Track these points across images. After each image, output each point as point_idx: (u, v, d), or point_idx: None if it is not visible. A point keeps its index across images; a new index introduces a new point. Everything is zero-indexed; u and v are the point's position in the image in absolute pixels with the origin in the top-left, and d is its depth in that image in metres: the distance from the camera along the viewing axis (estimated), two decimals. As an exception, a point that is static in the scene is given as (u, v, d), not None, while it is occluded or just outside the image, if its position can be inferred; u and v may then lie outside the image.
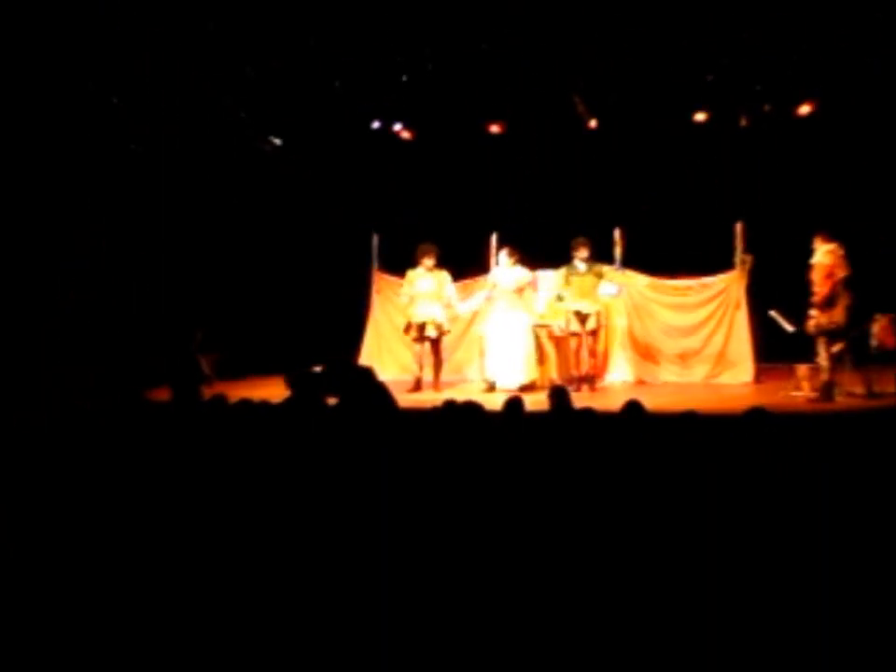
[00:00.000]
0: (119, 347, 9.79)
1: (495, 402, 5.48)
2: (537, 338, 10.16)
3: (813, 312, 8.51)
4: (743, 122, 10.90)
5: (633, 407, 4.71)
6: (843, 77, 9.99)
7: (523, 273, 10.04)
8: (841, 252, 8.51)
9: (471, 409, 4.74)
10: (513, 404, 5.22)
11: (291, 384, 5.18)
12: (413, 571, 3.45)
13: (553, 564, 3.45)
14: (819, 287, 8.47)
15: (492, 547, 3.53)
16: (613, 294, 10.04)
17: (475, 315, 10.51)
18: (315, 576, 3.53)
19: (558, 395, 5.69)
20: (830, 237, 8.60)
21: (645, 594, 3.32)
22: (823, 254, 8.54)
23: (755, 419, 4.25)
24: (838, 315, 8.41)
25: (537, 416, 5.67)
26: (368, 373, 5.02)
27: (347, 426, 4.52)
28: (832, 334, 8.46)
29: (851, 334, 8.53)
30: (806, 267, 8.59)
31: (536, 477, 4.03)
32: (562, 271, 9.97)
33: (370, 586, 3.41)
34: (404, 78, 10.93)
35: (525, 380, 9.69)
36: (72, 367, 8.73)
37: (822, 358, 8.52)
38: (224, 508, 3.89)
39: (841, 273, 8.44)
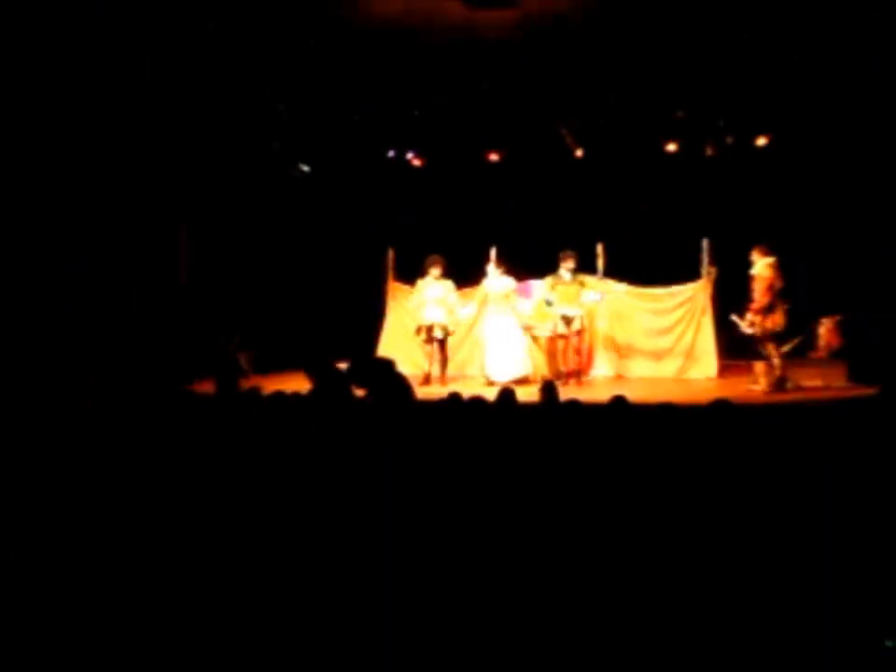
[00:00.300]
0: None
1: (493, 395, 5.44)
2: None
3: (753, 317, 8.49)
4: (709, 152, 10.97)
5: (619, 401, 4.68)
6: (795, 114, 10.08)
7: (509, 282, 10.06)
8: (777, 265, 8.49)
9: (473, 400, 4.73)
10: (506, 394, 5.19)
11: (311, 376, 5.09)
12: (419, 550, 3.41)
13: (543, 540, 3.42)
14: (760, 297, 8.45)
15: (489, 527, 3.49)
16: (596, 300, 10.03)
17: (476, 319, 10.50)
18: (339, 547, 3.48)
19: (548, 388, 5.66)
20: (768, 251, 8.56)
21: (628, 565, 3.29)
22: (763, 267, 8.51)
23: (720, 409, 4.24)
24: (779, 319, 8.41)
25: (529, 407, 5.64)
26: (389, 365, 4.92)
27: (375, 413, 4.47)
28: (777, 336, 8.45)
29: (795, 336, 8.51)
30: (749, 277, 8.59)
31: (528, 459, 4.01)
32: (548, 279, 9.96)
33: (380, 558, 3.37)
34: (416, 113, 10.99)
35: (519, 374, 9.65)
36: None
37: (774, 357, 8.51)
38: (258, 487, 3.85)
39: (778, 285, 8.45)
